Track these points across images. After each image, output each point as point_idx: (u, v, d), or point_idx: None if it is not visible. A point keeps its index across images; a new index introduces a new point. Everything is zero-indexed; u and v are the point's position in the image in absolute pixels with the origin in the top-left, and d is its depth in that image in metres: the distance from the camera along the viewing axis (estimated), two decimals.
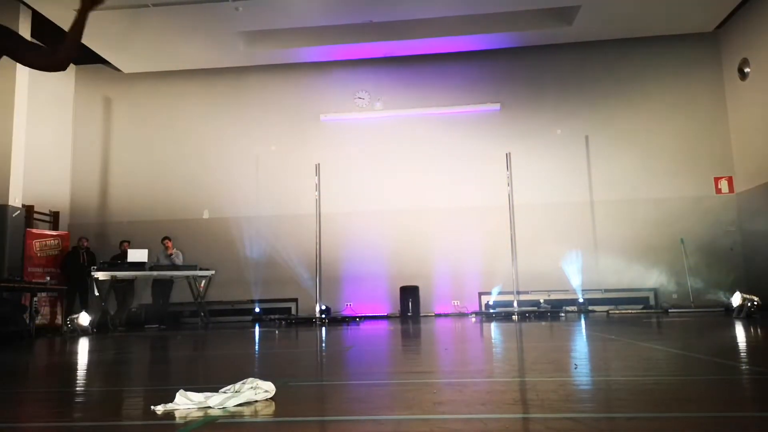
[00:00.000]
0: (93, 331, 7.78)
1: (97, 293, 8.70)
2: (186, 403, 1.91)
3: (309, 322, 8.92)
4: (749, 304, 6.79)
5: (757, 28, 9.09)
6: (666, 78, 10.32)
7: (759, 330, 4.97)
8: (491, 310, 9.48)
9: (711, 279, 9.45)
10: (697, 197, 9.88)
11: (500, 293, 9.72)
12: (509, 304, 9.19)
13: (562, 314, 8.86)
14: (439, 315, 9.97)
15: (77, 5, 2.36)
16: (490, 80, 10.71)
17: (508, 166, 9.33)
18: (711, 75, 10.25)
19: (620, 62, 10.46)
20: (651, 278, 9.73)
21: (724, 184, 9.94)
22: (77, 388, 2.73)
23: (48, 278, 8.98)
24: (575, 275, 9.72)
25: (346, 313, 9.91)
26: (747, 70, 9.40)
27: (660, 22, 9.82)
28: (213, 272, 9.34)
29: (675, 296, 9.59)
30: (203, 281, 9.32)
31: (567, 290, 9.68)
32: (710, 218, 9.75)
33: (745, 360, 3.04)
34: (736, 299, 7.00)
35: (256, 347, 5.00)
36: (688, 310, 8.85)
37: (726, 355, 3.31)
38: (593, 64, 10.54)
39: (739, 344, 3.96)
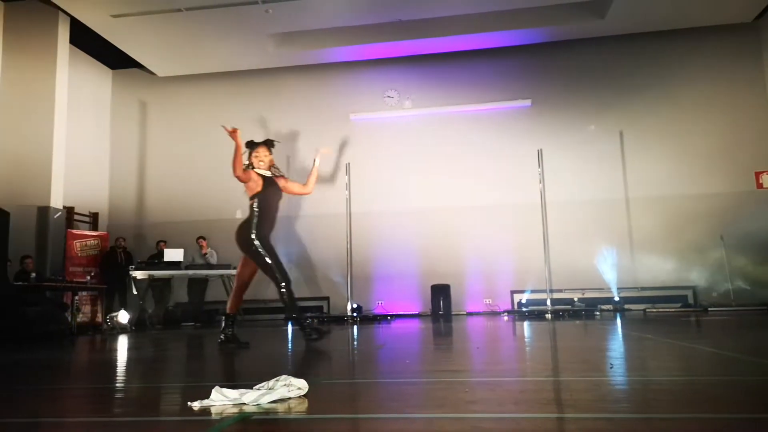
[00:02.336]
0: (131, 329, 7.98)
1: (135, 292, 8.91)
2: (221, 399, 1.95)
3: (340, 320, 8.97)
4: None
5: None
6: (703, 70, 10.03)
7: None
8: (524, 309, 9.38)
9: (752, 276, 9.16)
10: (737, 192, 9.59)
11: (533, 291, 9.61)
12: (542, 302, 9.08)
13: (597, 313, 8.71)
14: (470, 313, 9.91)
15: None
16: (520, 76, 10.59)
17: (540, 163, 9.22)
18: (751, 66, 9.92)
19: (655, 55, 10.21)
20: (689, 276, 9.48)
21: (765, 179, 9.62)
22: (117, 385, 2.81)
23: (88, 277, 9.24)
24: (610, 273, 9.54)
25: (378, 311, 9.93)
26: None
27: (696, 13, 9.55)
28: None
29: (715, 294, 9.33)
30: None
31: (602, 288, 9.51)
32: (751, 214, 9.44)
33: None
34: None
35: (289, 345, 5.06)
36: (728, 309, 8.60)
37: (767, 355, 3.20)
38: (627, 57, 10.32)
39: None
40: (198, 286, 9.77)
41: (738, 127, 9.83)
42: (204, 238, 9.83)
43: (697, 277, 9.47)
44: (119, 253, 9.91)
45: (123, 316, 7.97)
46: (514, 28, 9.87)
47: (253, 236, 4.38)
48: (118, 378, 3.09)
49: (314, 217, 10.54)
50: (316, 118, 10.99)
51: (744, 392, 2.11)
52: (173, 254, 9.21)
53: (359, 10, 9.37)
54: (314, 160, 4.84)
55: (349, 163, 9.70)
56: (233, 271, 9.32)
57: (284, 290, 4.30)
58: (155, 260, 9.52)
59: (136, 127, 11.61)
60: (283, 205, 11.29)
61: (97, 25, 9.52)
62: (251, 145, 4.66)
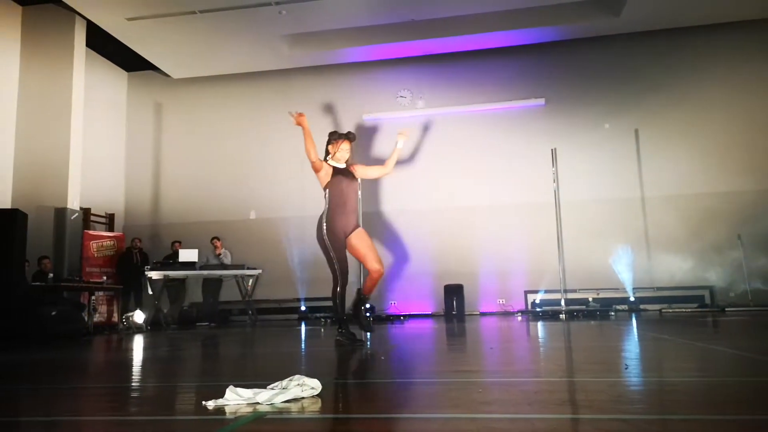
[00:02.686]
0: (147, 329, 8.06)
1: (150, 292, 8.99)
2: (235, 398, 1.96)
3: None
4: None
5: None
6: (720, 68, 9.90)
7: None
8: (538, 309, 9.32)
9: None
10: (755, 191, 9.45)
11: (547, 291, 9.55)
12: (556, 302, 9.02)
13: (612, 313, 8.63)
14: (484, 314, 9.87)
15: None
16: (533, 75, 10.53)
17: (554, 162, 9.15)
18: None
19: (671, 53, 10.10)
20: (706, 276, 9.37)
21: None
22: (133, 384, 2.84)
23: (105, 278, 9.35)
24: (625, 273, 9.45)
25: (391, 311, 9.93)
26: None
27: (713, 9, 9.43)
28: (260, 271, 9.51)
29: (732, 295, 9.20)
30: (251, 280, 9.51)
31: (617, 289, 9.43)
32: None
33: None
34: None
35: (303, 345, 5.07)
36: (746, 309, 8.48)
37: None
38: (642, 55, 10.21)
39: None
40: (212, 286, 9.84)
41: (755, 124, 9.69)
42: (218, 239, 9.90)
43: (714, 277, 9.35)
44: (135, 254, 10.01)
45: (138, 316, 8.04)
46: (527, 26, 9.81)
47: (324, 230, 4.28)
48: (133, 377, 3.12)
49: None
50: (329, 118, 11.01)
51: (761, 394, 2.07)
52: (188, 255, 9.29)
53: (372, 10, 9.38)
54: (396, 142, 4.71)
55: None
56: (247, 272, 9.47)
57: (338, 290, 4.26)
58: (170, 261, 9.60)
59: (151, 128, 11.72)
60: (293, 205, 11.30)
61: (112, 28, 9.63)
62: (333, 136, 4.53)
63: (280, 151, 11.05)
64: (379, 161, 10.38)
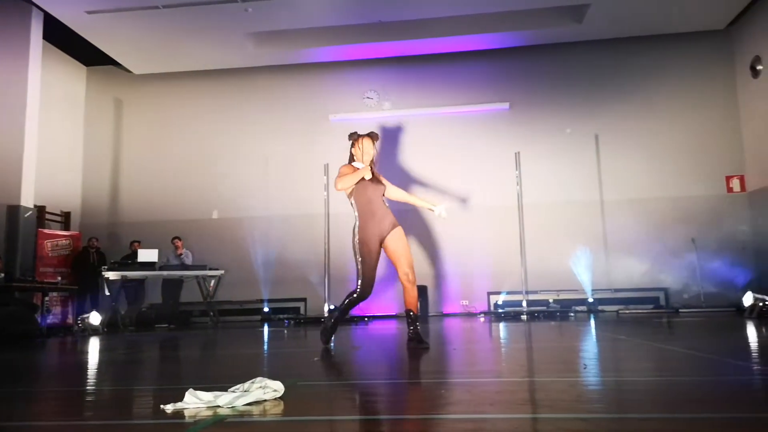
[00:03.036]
0: (103, 331, 7.84)
1: (107, 293, 8.75)
2: (195, 402, 1.92)
3: (318, 321, 8.92)
4: (761, 304, 6.72)
5: None
6: (677, 76, 10.23)
7: None
8: (500, 310, 9.44)
9: (722, 278, 9.36)
10: (708, 196, 9.79)
11: (509, 293, 9.68)
12: (518, 304, 9.15)
13: (572, 314, 8.81)
14: (447, 315, 9.95)
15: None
16: (498, 79, 10.67)
17: (517, 166, 9.30)
18: (723, 73, 10.14)
19: (631, 60, 10.38)
20: (662, 278, 9.65)
21: (735, 183, 9.84)
22: (88, 388, 2.75)
23: (59, 278, 9.06)
24: (585, 275, 9.66)
25: (355, 312, 9.91)
26: (759, 67, 9.30)
27: (671, 19, 9.74)
28: (222, 272, 9.38)
29: (686, 296, 9.51)
30: (212, 281, 9.36)
31: (576, 290, 9.63)
32: (722, 217, 9.65)
33: (757, 360, 3.01)
34: (748, 299, 6.93)
35: (265, 347, 5.02)
36: (699, 310, 8.77)
37: (738, 355, 3.27)
38: (603, 62, 10.47)
39: (751, 344, 3.92)
40: (173, 287, 9.64)
41: (710, 132, 10.05)
42: (179, 239, 9.71)
43: (669, 279, 9.64)
44: (91, 254, 9.74)
45: (95, 318, 7.81)
46: (493, 31, 9.94)
47: (356, 241, 4.10)
48: (89, 380, 3.02)
49: (292, 218, 10.49)
50: (295, 118, 10.93)
51: (718, 392, 2.14)
52: (147, 255, 9.08)
53: (339, 10, 9.35)
54: (435, 209, 4.51)
55: (327, 164, 9.66)
56: (209, 272, 9.31)
57: (352, 298, 4.09)
58: (129, 261, 9.37)
59: (110, 125, 11.42)
60: (257, 204, 11.19)
61: (71, 21, 9.34)
62: (353, 136, 4.30)
63: (245, 150, 10.91)
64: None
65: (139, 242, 9.80)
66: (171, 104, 11.35)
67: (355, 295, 4.09)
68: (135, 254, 9.36)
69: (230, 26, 9.59)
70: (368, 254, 4.07)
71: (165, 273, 9.18)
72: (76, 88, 11.34)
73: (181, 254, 9.59)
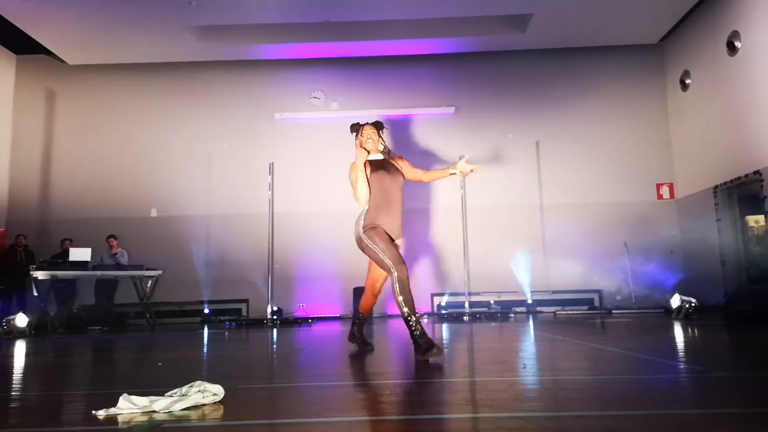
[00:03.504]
0: (31, 333, 7.44)
1: (36, 293, 8.31)
2: (130, 407, 1.85)
3: (260, 323, 8.79)
4: (687, 306, 7.10)
5: (697, 41, 9.52)
6: (613, 87, 10.67)
7: (696, 330, 5.20)
8: (443, 311, 9.57)
9: (652, 281, 9.82)
10: (640, 202, 10.26)
11: (452, 294, 9.83)
12: (461, 305, 9.30)
13: (512, 315, 9.03)
14: (391, 316, 9.99)
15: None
16: (445, 84, 10.82)
17: None
18: (655, 85, 10.66)
19: (570, 71, 10.75)
20: (596, 280, 10.03)
21: (665, 191, 10.37)
22: (13, 393, 2.60)
23: None
24: (525, 277, 9.93)
25: (299, 314, 9.81)
26: (688, 81, 9.83)
27: (608, 33, 10.15)
28: (160, 272, 9.08)
29: (618, 298, 9.92)
30: (150, 281, 9.06)
31: (516, 291, 9.88)
32: (652, 223, 10.13)
33: (683, 359, 3.17)
34: (675, 301, 7.30)
35: (205, 349, 4.89)
36: (630, 311, 9.17)
37: (666, 354, 3.44)
38: (545, 71, 10.79)
39: (678, 344, 4.13)
40: (106, 287, 9.25)
41: (642, 141, 10.53)
42: (115, 237, 9.33)
43: (603, 281, 10.03)
44: (19, 252, 9.23)
45: (21, 320, 7.40)
46: (440, 36, 10.07)
47: (360, 229, 3.72)
48: (14, 386, 2.86)
49: (234, 217, 10.28)
50: (239, 115, 10.72)
51: (647, 389, 2.24)
52: (79, 253, 8.67)
53: (287, 8, 9.24)
54: (451, 169, 4.00)
55: (272, 163, 9.52)
56: (146, 273, 9.01)
57: (396, 286, 3.44)
58: (59, 260, 8.93)
59: (41, 117, 10.85)
60: (198, 203, 10.95)
61: (1, 6, 8.82)
62: (354, 127, 4.03)
63: (186, 147, 10.61)
64: (304, 160, 10.25)
65: (70, 240, 9.36)
66: (108, 97, 10.90)
67: (397, 284, 3.45)
68: (66, 253, 8.93)
69: (172, 18, 9.30)
70: (380, 235, 3.64)
71: (99, 273, 8.81)
72: (5, 77, 10.72)
73: (116, 254, 9.23)
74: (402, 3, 9.17)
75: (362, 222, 3.75)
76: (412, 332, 3.41)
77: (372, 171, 3.81)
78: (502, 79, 10.80)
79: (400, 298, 3.45)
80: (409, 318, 3.42)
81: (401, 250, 3.79)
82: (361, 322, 4.28)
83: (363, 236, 3.70)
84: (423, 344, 3.33)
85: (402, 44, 10.34)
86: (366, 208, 3.79)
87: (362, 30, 9.94)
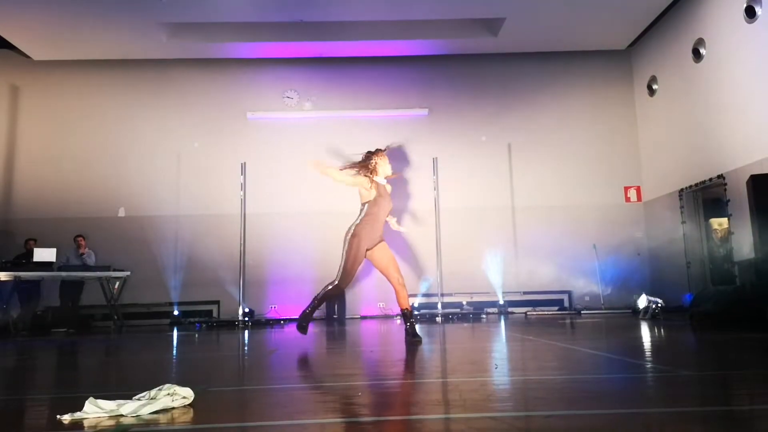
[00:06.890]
0: None
1: None
2: (96, 411, 1.80)
3: (231, 325, 8.69)
4: (653, 306, 7.26)
5: (664, 48, 9.75)
6: (582, 91, 10.85)
7: (662, 330, 5.32)
8: (416, 312, 9.59)
9: (620, 282, 10.01)
10: (609, 205, 10.45)
11: (425, 295, 9.87)
12: (434, 306, 9.35)
13: (484, 316, 9.11)
14: (365, 317, 9.99)
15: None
16: (418, 85, 10.86)
17: (435, 171, 9.50)
18: (623, 90, 10.88)
19: (541, 74, 10.90)
20: (566, 281, 10.18)
21: (632, 193, 10.59)
22: None
23: None
24: (496, 278, 10.02)
25: (271, 315, 9.73)
26: (655, 87, 10.06)
27: (578, 38, 10.33)
28: (128, 273, 8.91)
29: (587, 298, 10.09)
30: (117, 283, 8.87)
31: (488, 292, 9.96)
32: (620, 225, 10.33)
33: (650, 359, 3.24)
34: (642, 301, 7.46)
35: (174, 352, 4.81)
36: (598, 312, 9.33)
37: (633, 354, 3.51)
38: (516, 74, 10.92)
39: (645, 344, 4.22)
40: (72, 288, 9.03)
41: (610, 145, 10.73)
42: (83, 237, 9.12)
43: (573, 282, 10.19)
44: None
45: None
46: (415, 38, 10.11)
47: (350, 234, 4.45)
48: None
49: (206, 217, 10.14)
50: (210, 114, 10.58)
51: (616, 389, 2.28)
52: (44, 254, 8.45)
53: (260, 6, 9.15)
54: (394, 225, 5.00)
55: (244, 163, 9.43)
56: (113, 274, 8.82)
57: (328, 290, 4.50)
58: (23, 260, 8.68)
59: (5, 113, 10.53)
60: (167, 203, 10.83)
61: None
62: (377, 154, 4.70)
63: (155, 146, 10.42)
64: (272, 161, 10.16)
65: (35, 240, 9.12)
66: (75, 94, 10.64)
67: (330, 287, 4.46)
68: (30, 253, 8.69)
69: (142, 14, 9.13)
70: (357, 249, 4.40)
71: (64, 274, 8.59)
72: None
73: (83, 254, 9.02)
74: (375, 4, 9.17)
75: (355, 224, 4.49)
76: (305, 314, 4.63)
77: (378, 195, 4.55)
78: (476, 81, 10.89)
79: (320, 294, 4.53)
80: (312, 305, 4.60)
81: (387, 251, 4.62)
82: (409, 317, 4.61)
83: (349, 236, 4.45)
84: (306, 326, 4.64)
85: (376, 45, 10.35)
86: (363, 215, 4.53)
87: (336, 30, 9.92)
